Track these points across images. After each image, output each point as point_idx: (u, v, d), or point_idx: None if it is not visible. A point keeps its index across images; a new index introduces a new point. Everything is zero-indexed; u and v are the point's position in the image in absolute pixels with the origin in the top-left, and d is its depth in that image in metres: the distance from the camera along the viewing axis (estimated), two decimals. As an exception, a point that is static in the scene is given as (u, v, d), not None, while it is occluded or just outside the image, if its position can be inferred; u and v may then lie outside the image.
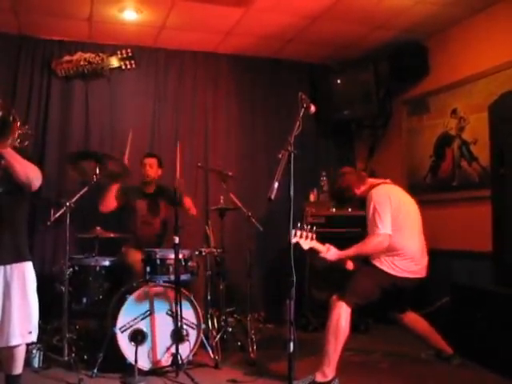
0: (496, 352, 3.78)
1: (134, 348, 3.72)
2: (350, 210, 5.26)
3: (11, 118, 2.81)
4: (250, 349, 4.22)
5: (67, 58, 5.40)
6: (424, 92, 5.54)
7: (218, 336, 4.29)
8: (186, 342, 3.88)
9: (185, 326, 3.87)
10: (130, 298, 3.84)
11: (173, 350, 3.77)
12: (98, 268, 4.36)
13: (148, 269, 4.04)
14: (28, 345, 3.24)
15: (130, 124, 5.59)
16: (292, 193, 2.81)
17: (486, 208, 4.24)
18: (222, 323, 4.53)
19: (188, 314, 3.94)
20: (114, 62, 5.51)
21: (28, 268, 3.07)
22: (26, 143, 3.03)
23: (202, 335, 3.99)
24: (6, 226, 3.04)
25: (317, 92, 6.06)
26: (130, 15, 4.94)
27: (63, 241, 4.10)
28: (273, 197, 2.72)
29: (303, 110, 3.03)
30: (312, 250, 3.70)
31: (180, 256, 3.94)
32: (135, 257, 4.36)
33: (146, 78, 5.77)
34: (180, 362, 3.70)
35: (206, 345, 4.09)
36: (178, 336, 3.79)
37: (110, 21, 5.07)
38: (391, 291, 3.74)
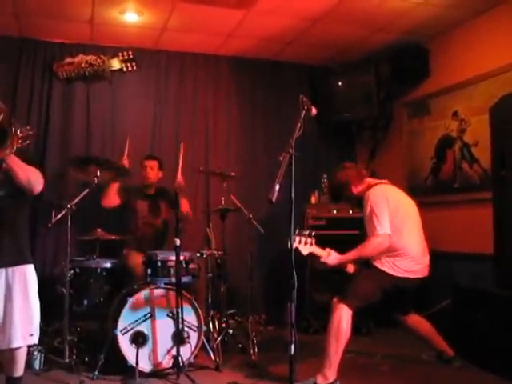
0: (497, 354, 3.77)
1: (135, 350, 3.72)
2: (351, 211, 5.25)
3: (12, 129, 2.80)
4: (251, 351, 4.21)
5: (68, 60, 5.41)
6: (425, 94, 5.54)
7: (219, 338, 4.28)
8: (187, 344, 3.88)
9: (186, 328, 3.88)
10: (131, 300, 3.84)
11: (174, 352, 3.77)
12: (98, 270, 4.35)
13: (149, 271, 4.04)
14: (29, 347, 3.24)
15: (131, 126, 5.63)
16: (293, 195, 2.81)
17: (487, 210, 4.24)
18: (223, 325, 4.52)
19: (189, 316, 3.94)
20: (116, 64, 5.51)
21: (29, 270, 3.07)
22: (27, 142, 3.02)
23: (203, 337, 3.99)
24: (8, 229, 3.04)
25: (317, 94, 6.05)
26: (131, 17, 4.94)
27: (64, 243, 4.10)
28: (274, 199, 2.72)
29: (304, 112, 3.03)
30: (312, 255, 3.68)
31: (181, 258, 3.95)
32: (136, 260, 4.36)
33: (147, 80, 5.78)
34: (181, 364, 3.70)
35: (207, 347, 4.09)
36: (178, 338, 3.78)
37: (112, 23, 5.08)
38: (393, 292, 3.72)
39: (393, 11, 4.80)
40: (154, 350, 3.84)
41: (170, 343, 3.86)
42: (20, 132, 2.83)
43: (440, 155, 5.36)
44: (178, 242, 3.80)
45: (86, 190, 4.20)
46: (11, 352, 3.02)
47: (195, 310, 3.99)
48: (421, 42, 5.46)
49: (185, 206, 4.73)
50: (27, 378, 3.38)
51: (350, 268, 3.84)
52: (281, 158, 2.87)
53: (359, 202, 3.91)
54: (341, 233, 5.08)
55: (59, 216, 4.08)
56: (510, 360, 3.63)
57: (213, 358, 4.04)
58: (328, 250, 3.74)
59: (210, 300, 4.50)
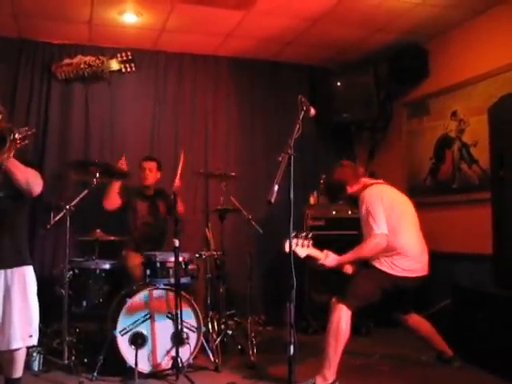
0: (496, 354, 3.77)
1: (134, 351, 3.72)
2: (349, 212, 5.25)
3: (10, 133, 2.79)
4: (250, 352, 4.21)
5: (67, 61, 5.41)
6: (424, 94, 5.54)
7: (218, 339, 4.28)
8: (186, 345, 3.87)
9: (185, 329, 3.87)
10: (130, 301, 3.84)
11: (173, 353, 3.77)
12: (98, 271, 4.35)
13: (148, 272, 4.04)
14: (28, 348, 3.24)
15: (129, 127, 5.64)
16: (292, 195, 2.81)
17: (486, 210, 4.24)
18: (222, 326, 4.52)
19: (188, 317, 3.93)
20: (114, 64, 5.51)
21: (28, 272, 3.07)
22: (26, 141, 3.01)
23: (202, 338, 3.99)
24: (7, 230, 3.04)
25: (317, 94, 6.05)
26: (129, 18, 4.94)
27: (63, 244, 4.10)
28: (273, 200, 2.72)
29: (303, 112, 3.03)
30: (309, 258, 3.66)
31: (180, 259, 3.94)
32: (135, 261, 4.37)
33: (146, 81, 5.77)
34: (180, 365, 3.69)
35: (206, 348, 4.09)
36: (178, 339, 3.78)
37: (110, 24, 5.08)
38: (393, 292, 3.72)
39: (392, 11, 4.80)
40: (153, 351, 3.84)
41: (169, 344, 3.86)
42: (19, 133, 2.83)
43: (439, 155, 5.36)
44: (177, 242, 3.79)
45: (85, 191, 4.21)
46: (10, 353, 3.02)
47: (194, 310, 3.99)
48: (420, 42, 5.46)
49: (180, 207, 4.72)
50: (26, 379, 3.37)
51: (348, 269, 3.82)
52: (280, 159, 2.87)
53: (354, 201, 3.91)
54: (340, 233, 5.08)
55: (58, 217, 4.07)
56: (509, 360, 3.62)
57: (212, 358, 4.04)
58: (326, 251, 3.73)
59: (209, 301, 4.49)
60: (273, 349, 4.46)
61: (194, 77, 5.94)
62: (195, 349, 3.95)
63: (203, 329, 4.02)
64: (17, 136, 2.78)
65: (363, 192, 3.83)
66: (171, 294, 3.88)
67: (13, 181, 2.90)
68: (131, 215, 4.88)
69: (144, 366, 3.77)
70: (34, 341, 3.09)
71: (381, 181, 4.06)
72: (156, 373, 3.81)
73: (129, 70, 5.55)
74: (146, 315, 3.86)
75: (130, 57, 5.52)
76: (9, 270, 3.00)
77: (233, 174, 4.85)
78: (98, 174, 4.27)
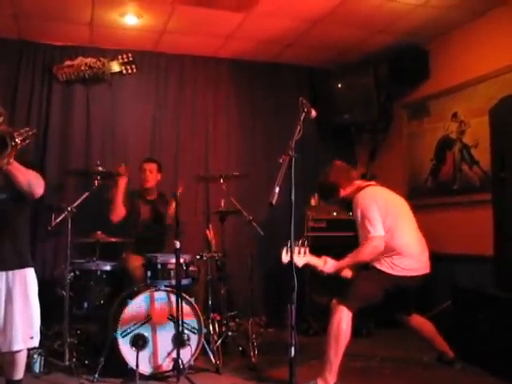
0: (498, 355, 3.77)
1: (135, 353, 3.72)
2: (350, 213, 5.23)
3: (11, 138, 2.79)
4: (251, 353, 4.20)
5: (68, 62, 5.41)
6: (424, 96, 5.54)
7: (219, 341, 4.28)
8: (187, 346, 3.87)
9: (186, 331, 3.87)
10: (131, 303, 3.84)
11: (174, 354, 3.76)
12: (98, 272, 4.35)
13: (149, 273, 4.04)
14: (29, 350, 3.24)
15: (130, 128, 5.65)
16: (293, 197, 2.81)
17: (487, 212, 4.24)
18: (223, 328, 4.52)
19: (189, 318, 3.93)
20: (115, 66, 5.52)
21: (30, 274, 3.07)
22: (27, 142, 3.01)
23: (203, 340, 3.98)
24: (8, 232, 3.04)
25: (317, 96, 6.06)
26: (130, 20, 4.95)
27: (64, 245, 4.11)
28: (274, 202, 2.71)
29: (304, 114, 3.03)
30: (308, 266, 3.64)
31: (181, 261, 3.94)
32: (136, 262, 4.37)
33: (147, 83, 5.78)
34: (181, 366, 3.70)
35: (207, 349, 4.08)
36: (179, 341, 3.78)
37: (111, 25, 5.08)
38: (394, 292, 3.70)
39: (392, 13, 4.81)
40: (154, 353, 3.83)
41: (170, 346, 3.85)
42: (19, 137, 2.83)
43: (440, 157, 5.36)
44: (178, 244, 3.79)
45: (86, 193, 4.22)
46: (12, 355, 3.02)
47: (195, 312, 3.98)
48: (420, 43, 5.46)
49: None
50: (27, 381, 3.37)
51: (347, 273, 3.80)
52: (281, 161, 2.86)
53: (347, 204, 3.90)
54: (341, 235, 5.08)
55: (59, 219, 4.09)
56: (510, 361, 3.62)
57: (213, 360, 4.04)
58: (324, 257, 3.72)
59: (210, 302, 4.49)
60: (274, 350, 4.46)
61: (195, 78, 5.94)
62: (196, 350, 3.94)
63: (204, 330, 4.01)
64: (17, 141, 2.78)
65: (357, 195, 3.81)
66: (172, 296, 3.89)
67: (14, 183, 2.90)
68: (133, 218, 4.86)
69: (145, 368, 3.77)
70: (35, 342, 3.08)
71: (373, 182, 4.06)
72: (157, 374, 3.80)
73: (130, 71, 5.55)
74: (147, 317, 3.86)
75: (130, 58, 5.53)
76: (10, 272, 3.00)
77: (234, 173, 4.84)
78: (99, 177, 4.28)
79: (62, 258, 4.33)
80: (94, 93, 5.57)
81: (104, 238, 4.51)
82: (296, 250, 3.51)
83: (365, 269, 3.77)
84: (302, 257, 3.56)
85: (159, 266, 4.06)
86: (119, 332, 3.75)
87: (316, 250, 5.20)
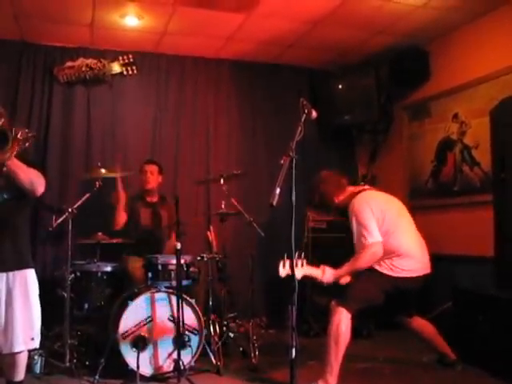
0: (498, 356, 3.77)
1: (136, 354, 3.72)
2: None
3: (12, 132, 2.80)
4: (252, 354, 4.20)
5: (69, 63, 5.42)
6: (425, 97, 5.54)
7: (220, 342, 4.28)
8: (188, 347, 3.87)
9: (186, 332, 3.87)
10: (132, 304, 3.84)
11: (175, 355, 3.76)
12: (99, 274, 4.35)
13: (150, 274, 4.05)
14: (30, 351, 3.23)
15: (131, 129, 5.65)
16: (294, 198, 2.81)
17: (487, 213, 4.24)
18: (224, 329, 4.51)
19: (190, 319, 3.93)
20: (116, 67, 5.52)
21: (30, 275, 3.07)
22: (27, 144, 3.02)
23: (203, 341, 3.98)
24: (9, 233, 3.04)
25: (317, 97, 6.06)
26: (131, 21, 4.95)
27: (65, 246, 4.10)
28: (275, 203, 2.71)
29: (304, 115, 3.02)
30: (307, 277, 3.61)
31: (182, 261, 3.94)
32: (135, 264, 4.37)
33: (148, 84, 5.78)
34: (182, 367, 3.70)
35: (208, 350, 4.08)
36: (179, 342, 3.78)
37: (112, 27, 5.09)
38: (394, 294, 3.70)
39: (392, 14, 4.81)
40: (154, 354, 3.84)
41: (170, 347, 3.86)
42: (20, 135, 2.83)
43: (440, 158, 5.36)
44: (178, 245, 3.80)
45: (87, 195, 4.22)
46: (12, 356, 3.02)
47: (196, 313, 3.98)
48: (421, 44, 5.46)
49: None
50: (28, 382, 3.37)
51: (346, 279, 3.78)
52: (281, 162, 2.86)
53: (342, 211, 3.88)
54: (341, 236, 5.07)
55: (60, 220, 4.09)
56: (510, 362, 3.62)
57: (214, 361, 4.04)
58: (322, 267, 3.70)
59: (210, 303, 4.48)
60: (275, 352, 4.46)
61: (196, 79, 5.94)
62: (197, 352, 3.94)
63: (205, 331, 4.02)
64: (19, 136, 2.79)
65: (352, 201, 3.80)
66: (173, 297, 3.89)
67: (16, 181, 2.90)
68: (133, 221, 4.83)
69: (146, 369, 3.77)
70: (36, 344, 3.08)
71: (367, 186, 4.05)
72: (157, 376, 3.80)
73: (130, 72, 5.56)
74: (148, 318, 3.86)
75: (131, 60, 5.53)
76: (10, 273, 3.00)
77: (235, 172, 4.83)
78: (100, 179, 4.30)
79: (63, 259, 4.33)
80: (94, 94, 5.57)
81: (105, 240, 4.51)
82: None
83: (365, 270, 3.76)
84: (299, 268, 3.51)
85: (160, 267, 4.06)
86: (120, 333, 3.75)
87: (316, 251, 5.25)
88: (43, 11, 4.71)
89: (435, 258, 3.92)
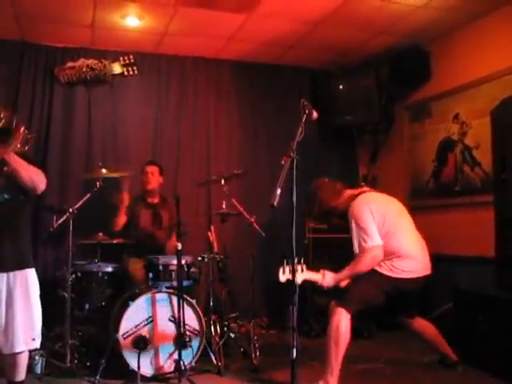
0: (499, 356, 3.76)
1: (137, 354, 3.72)
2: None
3: (14, 125, 2.83)
4: (253, 355, 4.20)
5: (70, 64, 5.42)
6: (426, 97, 5.54)
7: (221, 342, 4.28)
8: (189, 348, 3.87)
9: (187, 333, 3.87)
10: (133, 305, 3.84)
11: (175, 356, 3.76)
12: (100, 274, 4.35)
13: (150, 275, 4.05)
14: (31, 351, 3.24)
15: (132, 130, 5.65)
16: (295, 198, 2.81)
17: (488, 213, 4.23)
18: (225, 329, 4.51)
19: (191, 320, 3.93)
20: (117, 68, 5.52)
21: (31, 275, 3.07)
22: (27, 148, 3.03)
23: (204, 341, 3.98)
24: (10, 233, 3.04)
25: (318, 97, 6.06)
26: (132, 21, 4.95)
27: (66, 247, 4.10)
28: (275, 203, 2.71)
29: (305, 116, 3.03)
30: (307, 282, 3.60)
31: (182, 262, 3.94)
32: (136, 264, 4.37)
33: (149, 84, 5.78)
34: (183, 368, 3.69)
35: (209, 351, 4.08)
36: (180, 342, 3.78)
37: (113, 27, 5.09)
38: (394, 295, 3.69)
39: (393, 14, 4.81)
40: (155, 355, 3.84)
41: (171, 347, 3.86)
42: (22, 130, 2.86)
43: (441, 158, 5.35)
44: (179, 246, 3.80)
45: (88, 195, 4.23)
46: (13, 357, 3.02)
47: (197, 314, 3.99)
48: (421, 44, 5.46)
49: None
50: (29, 383, 3.37)
51: (345, 283, 3.79)
52: (282, 162, 2.86)
53: (342, 215, 3.87)
54: (342, 236, 5.06)
55: (61, 220, 4.09)
56: (511, 363, 3.62)
57: (214, 362, 4.04)
58: (322, 271, 3.70)
59: (211, 304, 4.48)
60: (275, 352, 4.46)
61: (196, 80, 5.94)
62: (198, 352, 3.95)
63: (206, 332, 4.02)
64: (21, 130, 2.81)
65: (351, 204, 3.79)
66: (174, 297, 3.89)
67: (17, 178, 2.91)
68: (133, 222, 4.82)
69: (146, 370, 3.77)
70: (37, 344, 3.09)
71: (366, 188, 4.05)
72: (158, 376, 3.81)
73: (131, 73, 5.55)
74: (149, 318, 3.86)
75: (132, 60, 5.53)
76: (11, 273, 3.00)
77: (235, 171, 4.83)
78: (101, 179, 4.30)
79: (64, 259, 4.33)
80: (95, 94, 5.57)
81: (105, 240, 4.52)
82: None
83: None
84: (299, 274, 3.50)
85: (160, 268, 4.07)
86: (120, 333, 3.75)
87: (317, 251, 5.25)
88: (44, 12, 4.71)
89: (436, 259, 3.92)
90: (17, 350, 2.99)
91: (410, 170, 5.75)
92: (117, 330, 3.77)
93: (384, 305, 3.70)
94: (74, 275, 4.17)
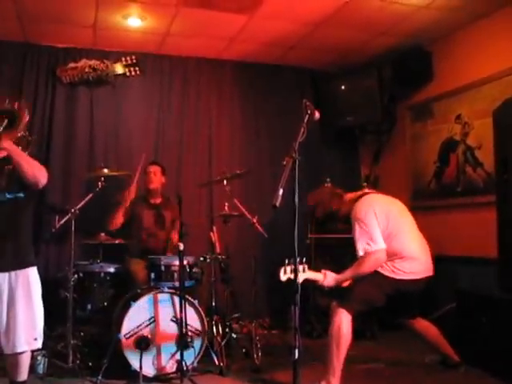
0: (501, 357, 3.76)
1: (139, 355, 3.72)
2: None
3: (19, 112, 2.87)
4: (255, 355, 4.20)
5: (72, 64, 5.42)
6: (428, 97, 5.53)
7: (223, 342, 4.27)
8: (191, 348, 3.88)
9: (189, 333, 3.87)
10: (135, 305, 3.84)
11: (177, 356, 3.77)
12: (102, 274, 4.36)
13: (152, 275, 4.05)
14: (33, 351, 3.24)
15: (134, 130, 5.65)
16: (297, 199, 2.81)
17: (490, 214, 4.22)
18: (227, 330, 4.51)
19: (193, 320, 3.94)
20: (119, 68, 5.52)
21: (32, 274, 3.08)
22: (27, 152, 3.06)
23: (206, 342, 3.99)
24: (12, 232, 3.05)
25: (320, 98, 6.07)
26: (134, 22, 4.96)
27: (68, 247, 4.11)
28: (277, 204, 2.71)
29: (307, 116, 3.03)
30: (308, 281, 3.60)
31: (184, 262, 3.94)
32: (138, 265, 4.38)
33: (151, 85, 5.78)
34: (185, 368, 3.70)
35: (211, 351, 4.09)
36: (182, 342, 3.78)
37: (115, 28, 5.09)
38: (395, 296, 3.69)
39: (395, 15, 4.80)
40: (157, 355, 3.84)
41: (173, 348, 3.86)
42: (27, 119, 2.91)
43: (443, 159, 5.35)
44: (181, 246, 3.80)
45: (90, 195, 4.23)
46: (15, 357, 3.03)
47: (199, 314, 3.99)
48: (423, 45, 5.46)
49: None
50: (31, 383, 3.37)
51: (347, 284, 3.78)
52: (284, 163, 2.86)
53: (345, 218, 3.87)
54: (344, 236, 5.06)
55: (63, 221, 4.09)
56: (513, 363, 3.62)
57: (216, 362, 4.04)
58: (323, 271, 3.70)
59: (213, 304, 4.48)
60: (277, 352, 4.46)
61: (198, 80, 5.95)
62: (200, 352, 3.95)
63: (208, 332, 4.02)
64: (26, 113, 2.86)
65: (354, 206, 3.79)
66: (176, 298, 3.89)
67: (19, 173, 2.93)
68: (135, 223, 4.83)
69: (148, 370, 3.77)
70: (39, 344, 3.09)
71: (367, 190, 4.04)
72: (160, 376, 3.81)
73: (133, 73, 5.56)
74: (151, 319, 3.86)
75: (134, 61, 5.54)
76: (13, 273, 3.01)
77: (238, 171, 4.82)
78: (103, 178, 4.30)
79: (66, 259, 4.34)
80: (97, 95, 5.58)
81: (108, 240, 4.52)
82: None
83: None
84: (301, 273, 3.47)
85: (163, 268, 4.07)
86: (123, 334, 3.76)
87: (319, 251, 5.25)
88: (46, 12, 4.72)
89: (438, 259, 3.92)
90: (19, 350, 2.99)
91: (412, 171, 5.75)
92: (119, 330, 3.77)
93: (385, 306, 3.70)
94: (76, 275, 4.17)
